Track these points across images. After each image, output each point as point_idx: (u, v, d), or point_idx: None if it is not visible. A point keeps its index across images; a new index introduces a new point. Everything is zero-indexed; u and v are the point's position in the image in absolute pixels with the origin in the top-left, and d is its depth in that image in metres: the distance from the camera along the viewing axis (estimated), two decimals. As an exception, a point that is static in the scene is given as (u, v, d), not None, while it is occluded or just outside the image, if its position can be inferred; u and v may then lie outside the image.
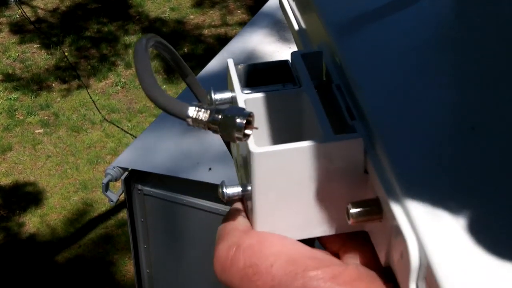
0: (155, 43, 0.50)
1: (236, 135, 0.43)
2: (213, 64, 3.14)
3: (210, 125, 0.44)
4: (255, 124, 0.45)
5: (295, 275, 0.44)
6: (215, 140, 2.75)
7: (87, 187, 4.79)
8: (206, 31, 6.43)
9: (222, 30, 6.44)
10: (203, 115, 0.44)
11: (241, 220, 0.49)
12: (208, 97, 0.51)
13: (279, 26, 3.37)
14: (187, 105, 0.45)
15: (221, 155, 2.66)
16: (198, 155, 2.71)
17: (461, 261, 0.38)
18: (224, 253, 0.48)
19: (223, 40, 5.89)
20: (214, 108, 0.44)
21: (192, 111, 0.44)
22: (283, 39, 3.27)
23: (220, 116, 0.44)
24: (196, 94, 0.58)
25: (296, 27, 0.63)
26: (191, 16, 6.65)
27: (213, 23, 6.54)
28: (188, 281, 2.96)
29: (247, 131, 0.44)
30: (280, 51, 3.13)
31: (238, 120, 0.43)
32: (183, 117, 0.44)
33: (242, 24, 5.98)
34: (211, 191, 2.58)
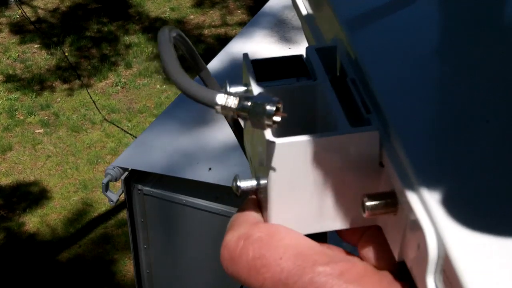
0: (176, 35, 0.50)
1: (266, 122, 0.43)
2: (213, 64, 3.14)
3: (240, 112, 0.44)
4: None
5: (304, 269, 0.44)
6: (215, 140, 2.75)
7: (87, 187, 4.79)
8: (206, 31, 6.43)
9: (222, 30, 6.45)
10: (232, 102, 0.44)
11: (253, 213, 0.49)
12: (223, 90, 0.52)
13: (279, 26, 3.37)
14: (216, 92, 0.45)
15: (221, 155, 2.66)
16: (198, 155, 2.71)
17: (480, 252, 0.38)
18: (233, 243, 0.47)
19: (223, 40, 5.89)
20: (243, 95, 0.45)
21: (221, 98, 0.44)
22: (283, 39, 3.27)
23: (249, 103, 0.44)
24: (211, 88, 0.59)
25: (308, 21, 0.63)
26: (191, 16, 6.65)
27: (213, 23, 6.54)
28: (188, 281, 2.96)
29: (275, 118, 0.44)
30: (280, 51, 3.13)
31: (268, 107, 0.43)
32: (212, 105, 0.45)
33: (242, 24, 5.99)
34: (211, 191, 2.59)
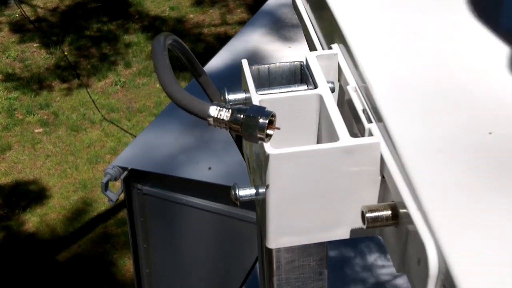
0: (172, 41, 0.49)
1: (259, 135, 0.43)
2: (213, 63, 3.14)
3: (232, 124, 0.43)
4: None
5: None
6: (215, 139, 2.75)
7: (86, 187, 4.79)
8: (206, 30, 6.43)
9: (221, 29, 6.44)
10: (225, 114, 0.44)
11: None
12: (222, 97, 0.51)
13: (278, 25, 3.37)
14: (208, 104, 0.44)
15: (220, 155, 2.66)
16: (197, 154, 2.70)
17: (481, 268, 0.37)
18: None
19: (222, 39, 5.89)
20: (235, 107, 0.44)
21: (213, 111, 0.44)
22: (282, 38, 3.27)
23: (242, 116, 0.43)
24: (209, 94, 0.58)
25: (310, 27, 0.63)
26: (191, 15, 6.64)
27: (213, 22, 6.53)
28: (187, 280, 2.96)
29: (269, 131, 0.43)
30: (280, 50, 3.13)
31: (260, 120, 0.43)
32: (204, 117, 0.44)
33: (242, 23, 5.98)
34: (210, 190, 2.58)
